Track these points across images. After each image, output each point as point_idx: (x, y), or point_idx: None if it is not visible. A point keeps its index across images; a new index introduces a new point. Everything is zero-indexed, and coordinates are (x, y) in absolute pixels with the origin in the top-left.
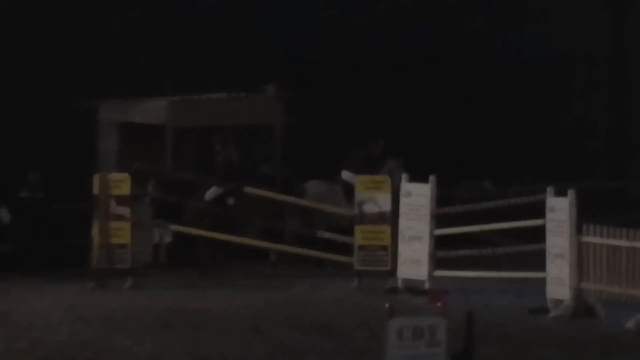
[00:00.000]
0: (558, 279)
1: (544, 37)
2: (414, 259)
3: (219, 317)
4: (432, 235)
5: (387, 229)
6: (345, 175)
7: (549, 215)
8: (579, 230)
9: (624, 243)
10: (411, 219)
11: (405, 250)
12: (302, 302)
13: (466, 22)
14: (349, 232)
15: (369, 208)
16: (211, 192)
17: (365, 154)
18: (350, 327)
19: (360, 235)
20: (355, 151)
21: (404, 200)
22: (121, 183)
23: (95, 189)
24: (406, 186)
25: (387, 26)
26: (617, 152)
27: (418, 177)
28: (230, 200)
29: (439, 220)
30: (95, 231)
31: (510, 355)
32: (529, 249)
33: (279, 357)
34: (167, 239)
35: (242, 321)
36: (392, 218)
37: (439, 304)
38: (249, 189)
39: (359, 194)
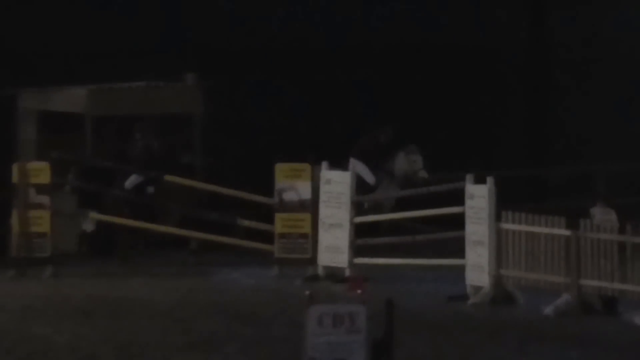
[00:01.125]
0: (477, 265)
1: (465, 27)
2: (334, 247)
3: (139, 306)
4: (352, 223)
5: (307, 216)
6: (359, 166)
7: (468, 203)
8: (498, 217)
9: (542, 230)
10: (331, 206)
11: (325, 238)
12: (223, 290)
13: (375, 9)
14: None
15: (289, 196)
16: (131, 181)
17: (374, 143)
18: (271, 314)
19: (281, 223)
20: (364, 139)
21: (324, 188)
22: (40, 172)
23: (15, 178)
24: (326, 174)
25: (306, 13)
26: (535, 141)
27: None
28: (150, 189)
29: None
30: (14, 220)
31: (430, 341)
32: (449, 236)
33: (199, 345)
34: (89, 227)
35: (162, 309)
36: (312, 206)
37: (358, 291)
38: (169, 178)
39: (279, 182)
